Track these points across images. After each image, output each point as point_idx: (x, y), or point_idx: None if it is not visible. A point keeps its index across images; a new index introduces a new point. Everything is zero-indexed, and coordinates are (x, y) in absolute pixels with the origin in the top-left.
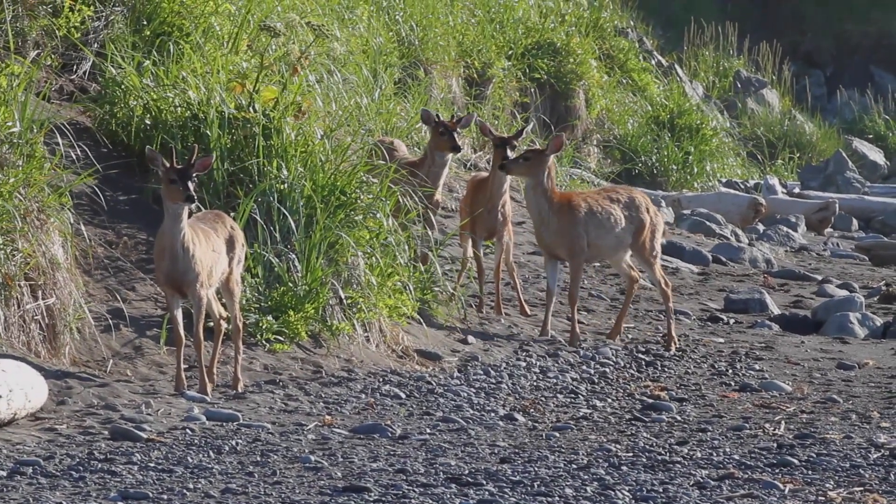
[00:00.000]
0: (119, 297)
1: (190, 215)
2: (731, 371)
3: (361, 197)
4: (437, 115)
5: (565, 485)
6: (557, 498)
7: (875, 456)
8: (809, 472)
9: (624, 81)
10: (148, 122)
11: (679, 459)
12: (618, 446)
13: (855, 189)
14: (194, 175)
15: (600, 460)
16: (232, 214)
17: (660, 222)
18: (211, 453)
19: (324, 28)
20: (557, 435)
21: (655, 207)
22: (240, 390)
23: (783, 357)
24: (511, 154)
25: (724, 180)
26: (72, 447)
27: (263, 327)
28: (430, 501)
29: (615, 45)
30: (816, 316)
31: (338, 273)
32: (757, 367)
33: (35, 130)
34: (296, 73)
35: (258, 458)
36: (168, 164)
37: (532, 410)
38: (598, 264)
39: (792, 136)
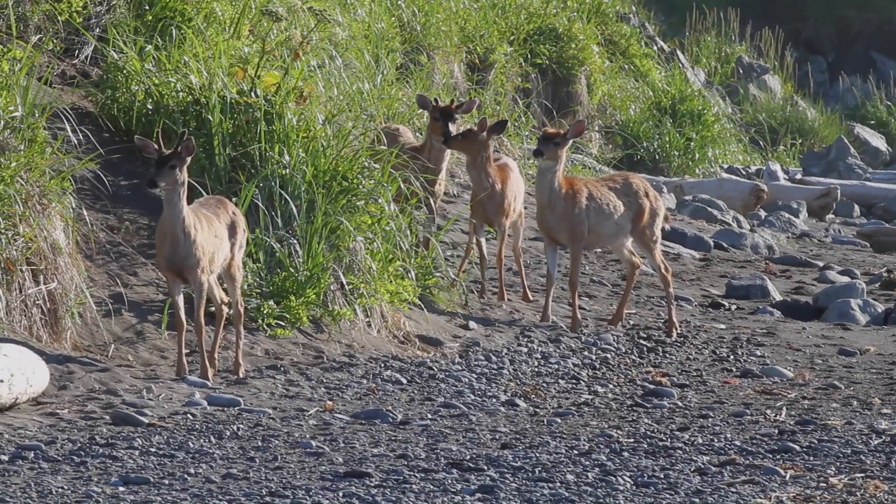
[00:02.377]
0: (120, 282)
1: (191, 201)
2: (732, 357)
3: (363, 182)
4: (435, 100)
5: (567, 470)
6: (559, 483)
7: (876, 442)
8: (811, 459)
9: (626, 67)
10: (150, 106)
11: (680, 445)
12: (619, 432)
13: (857, 175)
14: (173, 161)
15: (602, 446)
16: (234, 200)
17: (660, 207)
18: (212, 438)
19: (325, 13)
20: (559, 421)
21: (655, 193)
22: (241, 375)
23: (784, 343)
24: (454, 128)
25: (725, 166)
26: (73, 432)
27: (265, 312)
28: (431, 487)
29: (617, 31)
30: (818, 302)
31: (339, 258)
32: (758, 353)
33: (37, 115)
34: (297, 58)
35: (259, 444)
36: (157, 150)
37: (533, 396)
38: (600, 250)
39: (794, 122)
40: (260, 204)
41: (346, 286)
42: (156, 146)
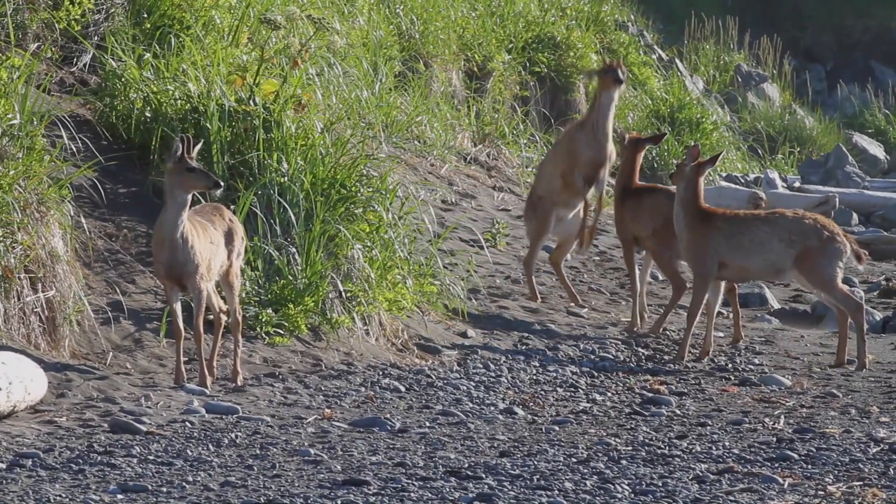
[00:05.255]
0: (119, 290)
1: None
2: (730, 365)
3: (361, 190)
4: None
5: (565, 478)
6: (557, 491)
7: (874, 450)
8: (809, 467)
9: None
10: (148, 114)
11: (678, 453)
12: (617, 440)
13: (855, 183)
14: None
15: (600, 454)
16: (232, 207)
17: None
18: (210, 446)
19: (324, 21)
20: (557, 429)
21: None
22: (239, 383)
23: (783, 351)
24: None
25: (724, 174)
26: (71, 440)
27: (263, 320)
28: (430, 495)
29: (616, 39)
30: (816, 310)
31: (337, 266)
32: (757, 361)
33: (35, 123)
34: (296, 66)
35: (257, 451)
36: (181, 154)
37: (531, 404)
38: (598, 259)
39: (792, 130)
40: (258, 212)
41: (345, 294)
42: (181, 154)
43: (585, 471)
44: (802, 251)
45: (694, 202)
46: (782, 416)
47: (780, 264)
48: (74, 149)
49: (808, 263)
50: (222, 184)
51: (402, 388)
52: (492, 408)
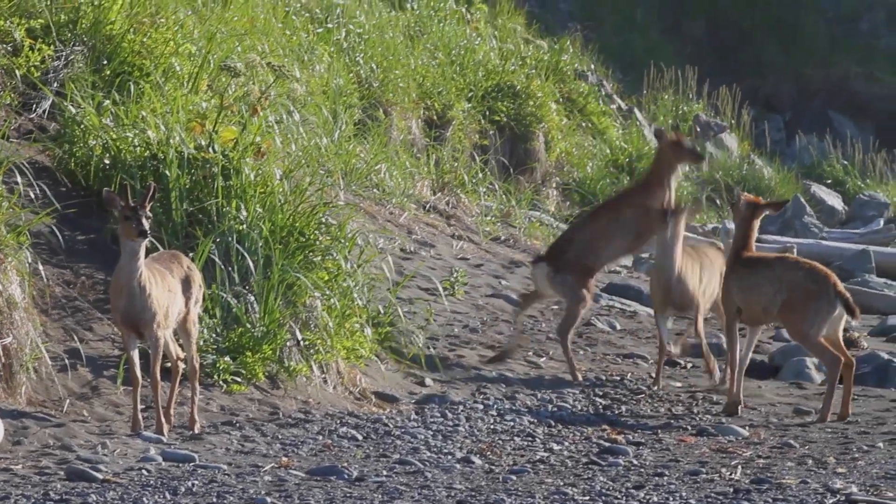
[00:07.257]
0: (76, 337)
1: (147, 255)
2: (688, 415)
3: (320, 238)
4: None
5: None
6: None
7: (831, 501)
8: None
9: (583, 125)
10: (107, 161)
11: (635, 503)
12: (574, 490)
13: (813, 234)
14: (148, 211)
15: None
16: (190, 255)
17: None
18: (167, 494)
19: (284, 69)
20: (514, 478)
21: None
22: (196, 431)
23: (740, 402)
24: None
25: None
26: (27, 488)
27: (221, 368)
28: None
29: (575, 89)
30: (774, 361)
31: (296, 314)
32: (714, 411)
33: None
34: (255, 114)
35: (214, 500)
36: (124, 203)
37: (489, 453)
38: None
39: (751, 180)
40: (217, 259)
41: (303, 342)
42: (122, 203)
43: None
44: (787, 300)
45: (739, 246)
46: (739, 467)
47: (769, 309)
48: (33, 195)
49: (788, 314)
50: (148, 233)
51: (360, 437)
52: (449, 457)
